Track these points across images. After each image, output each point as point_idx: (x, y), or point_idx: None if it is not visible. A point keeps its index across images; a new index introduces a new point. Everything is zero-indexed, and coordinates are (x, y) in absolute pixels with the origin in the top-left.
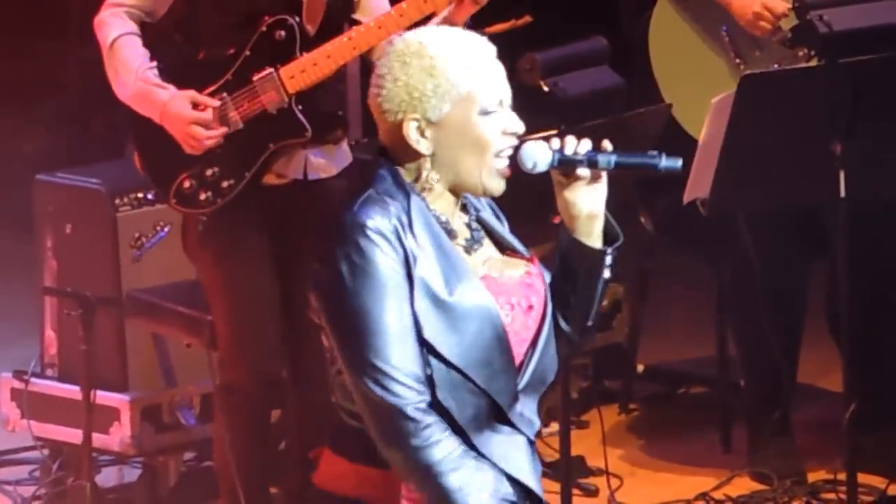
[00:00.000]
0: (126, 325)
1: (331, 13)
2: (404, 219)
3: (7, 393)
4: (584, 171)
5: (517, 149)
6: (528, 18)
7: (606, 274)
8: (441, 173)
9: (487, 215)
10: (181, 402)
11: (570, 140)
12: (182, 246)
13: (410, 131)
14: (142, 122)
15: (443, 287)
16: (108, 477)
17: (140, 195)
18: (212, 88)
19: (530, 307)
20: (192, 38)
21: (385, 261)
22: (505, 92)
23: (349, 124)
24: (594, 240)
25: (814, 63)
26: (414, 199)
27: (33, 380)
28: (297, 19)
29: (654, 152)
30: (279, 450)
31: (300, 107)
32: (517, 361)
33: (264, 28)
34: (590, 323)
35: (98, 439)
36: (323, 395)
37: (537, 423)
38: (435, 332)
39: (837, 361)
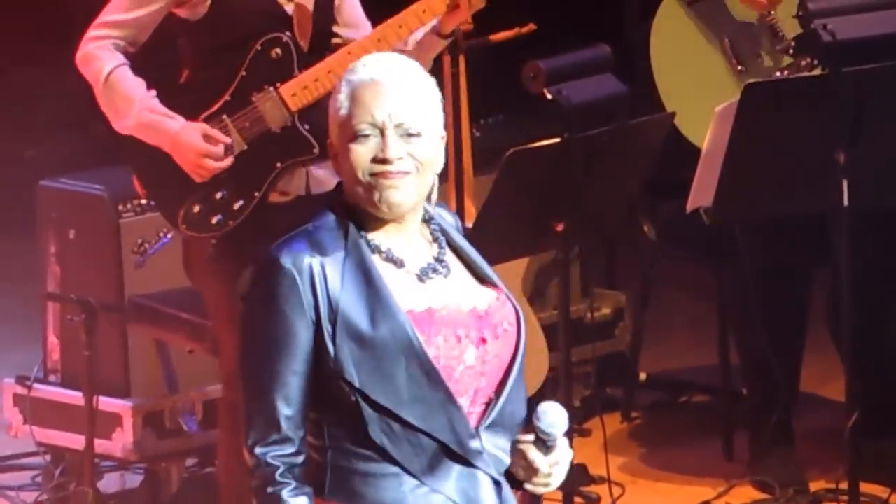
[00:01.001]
0: (129, 331)
1: (318, 27)
2: (337, 256)
3: (10, 398)
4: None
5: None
6: (531, 27)
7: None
8: (350, 199)
9: (460, 241)
10: (183, 409)
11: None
12: (184, 266)
13: (332, 160)
14: (141, 150)
15: (367, 323)
16: (110, 483)
17: (143, 201)
18: (210, 111)
19: (482, 340)
20: (183, 62)
21: (285, 302)
22: (385, 117)
23: None
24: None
25: (817, 72)
26: (352, 233)
27: (36, 385)
28: (291, 36)
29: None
30: None
31: (305, 125)
32: (485, 397)
33: (259, 47)
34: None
35: (100, 445)
36: None
37: (506, 461)
38: (364, 377)
39: (839, 370)
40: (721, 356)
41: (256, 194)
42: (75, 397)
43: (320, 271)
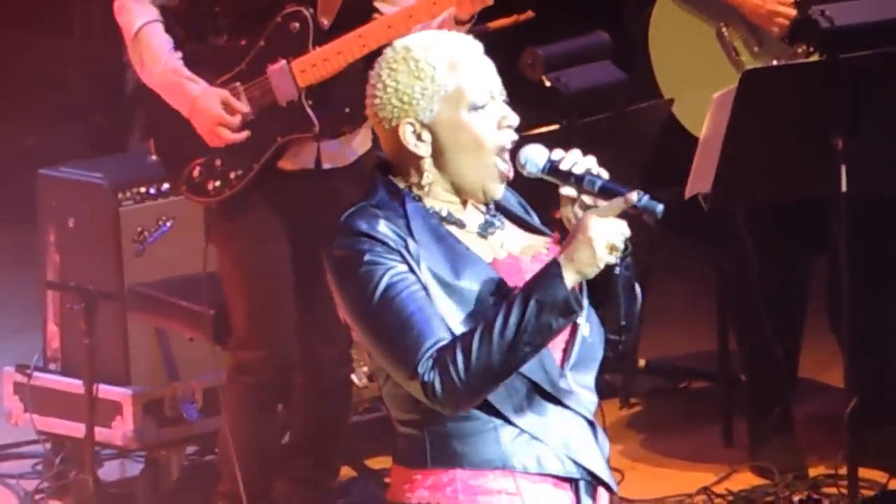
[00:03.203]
0: (128, 320)
1: (348, 5)
2: (399, 221)
3: (10, 387)
4: (568, 190)
5: (518, 146)
6: (530, 14)
7: (624, 280)
8: (441, 175)
9: (512, 205)
10: (183, 397)
11: (571, 156)
12: (205, 231)
13: (407, 135)
14: (158, 107)
15: (450, 273)
16: (110, 471)
17: (143, 189)
18: (226, 76)
19: None
20: (209, 25)
21: (372, 255)
22: (495, 85)
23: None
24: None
25: (815, 58)
26: (409, 202)
27: (36, 374)
28: (312, 11)
29: (640, 191)
30: (283, 443)
31: (310, 101)
32: (562, 339)
33: (279, 19)
34: (623, 323)
35: (100, 433)
36: (332, 385)
37: (594, 398)
38: (455, 325)
39: (838, 356)
40: (720, 342)
41: (255, 166)
42: (75, 385)
43: (395, 232)
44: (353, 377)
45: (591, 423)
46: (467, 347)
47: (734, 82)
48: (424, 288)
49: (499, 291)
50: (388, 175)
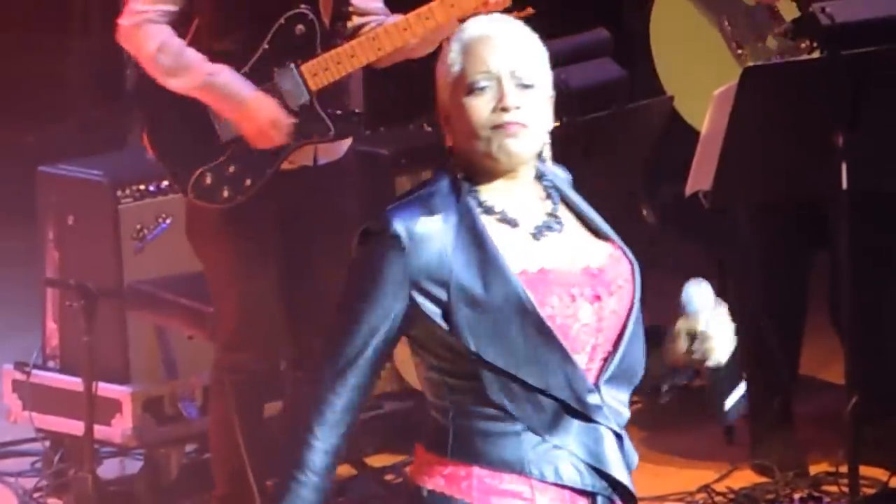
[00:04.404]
0: (128, 317)
1: (336, 5)
2: (451, 219)
3: (9, 384)
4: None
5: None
6: (530, 11)
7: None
8: (463, 161)
9: (574, 197)
10: (183, 394)
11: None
12: (186, 229)
13: (445, 124)
14: (159, 112)
15: (480, 287)
16: (109, 469)
17: (142, 187)
18: None
19: (597, 297)
20: (208, 29)
21: (387, 269)
22: (504, 68)
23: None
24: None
25: (816, 55)
26: (465, 196)
27: (35, 371)
28: (315, 12)
29: (732, 404)
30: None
31: (325, 107)
32: (604, 352)
33: (283, 21)
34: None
35: (100, 431)
36: None
37: (626, 413)
38: (480, 340)
39: (839, 353)
40: None
41: (268, 171)
42: (74, 383)
43: (432, 237)
44: None
45: (618, 436)
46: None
47: (737, 76)
48: (396, 333)
49: (522, 309)
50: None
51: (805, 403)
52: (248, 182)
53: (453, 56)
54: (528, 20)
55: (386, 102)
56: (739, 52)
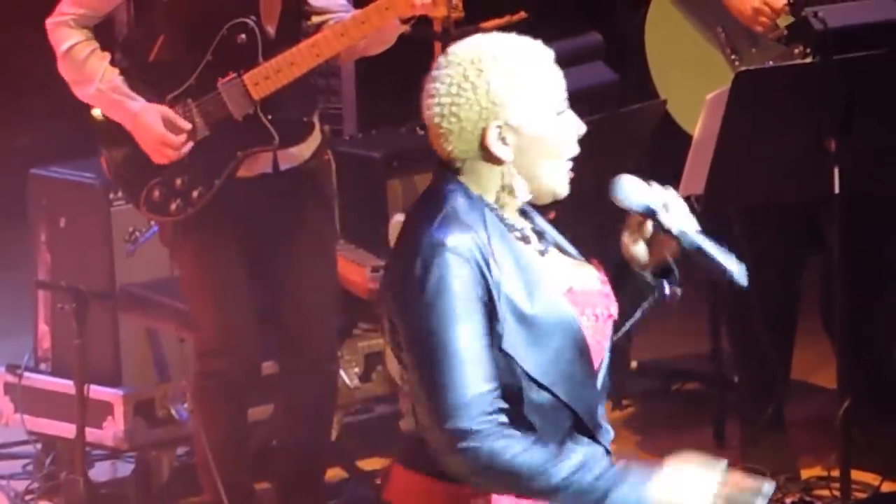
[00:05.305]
0: (120, 320)
1: (287, 6)
2: (483, 235)
3: (0, 387)
4: (649, 229)
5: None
6: (522, 14)
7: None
8: (523, 179)
9: (539, 220)
10: (174, 397)
11: (676, 210)
12: (160, 239)
13: (492, 139)
14: (107, 132)
15: (525, 301)
16: (101, 471)
17: None
18: (175, 93)
19: (609, 316)
20: (153, 40)
21: (460, 283)
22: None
23: (344, 121)
24: (646, 274)
25: (809, 60)
26: (487, 213)
27: (26, 374)
28: (255, 19)
29: (729, 261)
30: (271, 445)
31: (268, 115)
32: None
33: (225, 31)
34: (626, 328)
35: (91, 434)
36: (316, 388)
37: (611, 430)
38: (519, 350)
39: (831, 357)
40: (712, 343)
41: (216, 182)
42: (66, 386)
43: (479, 251)
44: (345, 378)
45: (608, 452)
46: (523, 459)
47: (730, 80)
48: (492, 330)
49: (566, 326)
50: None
51: (797, 407)
52: (196, 194)
53: (532, 76)
54: (521, 24)
55: (377, 105)
56: (733, 57)
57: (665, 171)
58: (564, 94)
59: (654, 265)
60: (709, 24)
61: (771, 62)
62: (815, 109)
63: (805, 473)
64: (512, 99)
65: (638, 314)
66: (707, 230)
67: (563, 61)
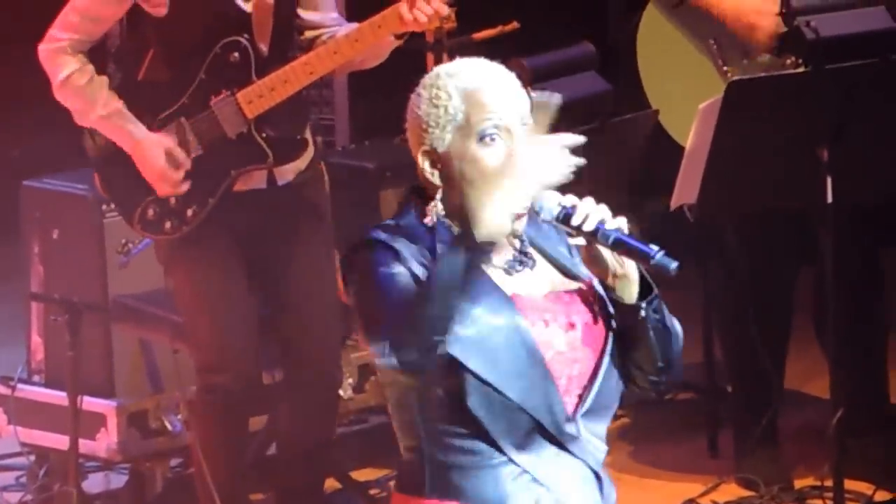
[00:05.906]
0: (113, 331)
1: (280, 21)
2: (423, 243)
3: None
4: (579, 241)
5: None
6: (515, 24)
7: (654, 322)
8: (452, 205)
9: (552, 245)
10: (168, 408)
11: (583, 207)
12: (156, 257)
13: (423, 163)
14: (101, 150)
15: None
16: (94, 483)
17: None
18: (169, 112)
19: (570, 325)
20: (144, 59)
21: (394, 267)
22: (513, 118)
23: (337, 132)
24: (626, 296)
25: (801, 70)
26: (440, 227)
27: (20, 386)
28: (248, 37)
29: (655, 246)
30: (269, 455)
31: (262, 134)
32: (580, 387)
33: (218, 50)
34: (660, 364)
35: (85, 445)
36: (318, 397)
37: (604, 448)
38: (465, 350)
39: (824, 367)
40: (706, 354)
41: (210, 200)
42: (59, 397)
43: (410, 252)
44: (339, 389)
45: (595, 474)
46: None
47: (721, 93)
48: None
49: (510, 325)
50: (422, 199)
51: (790, 417)
52: (191, 212)
53: (456, 102)
54: (512, 34)
55: (371, 116)
56: (725, 69)
57: (657, 181)
58: (502, 121)
59: (619, 279)
60: (701, 36)
61: (763, 73)
62: (808, 119)
63: (798, 483)
64: (433, 124)
65: (651, 335)
66: (700, 239)
67: (555, 71)
